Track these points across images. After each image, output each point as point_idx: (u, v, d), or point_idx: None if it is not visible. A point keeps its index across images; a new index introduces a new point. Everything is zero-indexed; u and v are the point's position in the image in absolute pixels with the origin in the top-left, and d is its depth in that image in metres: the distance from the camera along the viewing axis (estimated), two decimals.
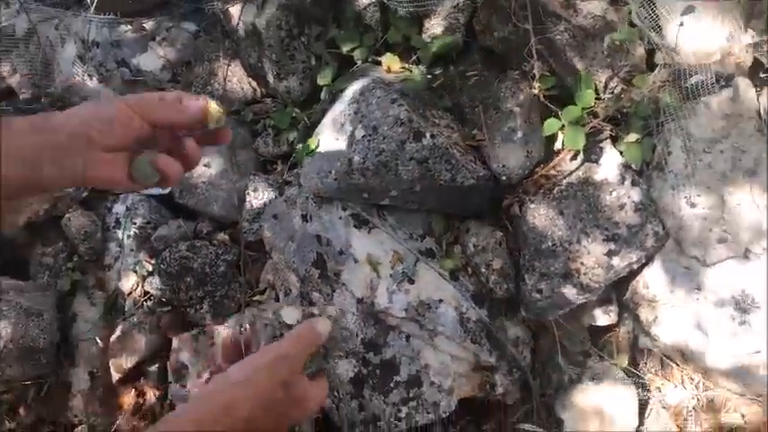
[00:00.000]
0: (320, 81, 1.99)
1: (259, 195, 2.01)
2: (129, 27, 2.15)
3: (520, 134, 1.75)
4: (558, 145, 1.73)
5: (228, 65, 2.15)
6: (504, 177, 1.75)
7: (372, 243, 1.77)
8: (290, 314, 1.23)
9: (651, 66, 1.74)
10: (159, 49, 2.16)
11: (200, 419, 0.78)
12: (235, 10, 2.06)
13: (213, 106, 0.93)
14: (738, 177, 1.71)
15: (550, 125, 1.70)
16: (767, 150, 1.74)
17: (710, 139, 1.75)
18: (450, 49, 1.92)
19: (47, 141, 0.82)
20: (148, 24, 2.15)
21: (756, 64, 1.82)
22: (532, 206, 1.77)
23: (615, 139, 1.79)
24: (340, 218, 1.78)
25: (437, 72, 1.98)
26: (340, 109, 1.81)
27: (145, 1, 2.16)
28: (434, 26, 1.96)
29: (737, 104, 1.76)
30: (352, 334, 1.10)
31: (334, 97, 1.92)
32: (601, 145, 1.77)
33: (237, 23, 2.05)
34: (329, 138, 1.78)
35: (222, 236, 2.06)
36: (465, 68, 1.95)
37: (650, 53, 1.74)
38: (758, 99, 1.79)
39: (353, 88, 1.83)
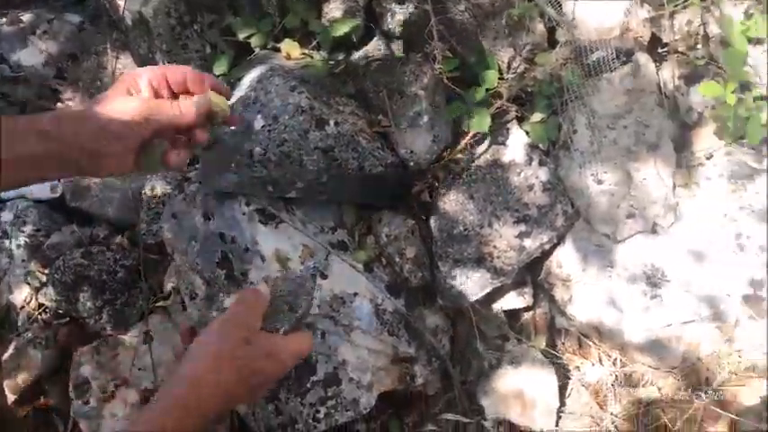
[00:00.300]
0: (216, 70, 1.90)
1: (157, 194, 1.90)
2: (4, 20, 1.99)
3: (425, 118, 1.71)
4: (465, 128, 1.70)
5: (118, 57, 2.03)
6: (412, 163, 1.71)
7: (280, 239, 1.70)
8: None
9: (553, 43, 1.74)
10: (40, 43, 2.01)
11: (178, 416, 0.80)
12: (122, 1, 1.94)
13: (216, 102, 0.97)
14: (642, 152, 1.73)
15: (454, 108, 1.67)
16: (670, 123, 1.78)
17: (614, 114, 1.76)
18: (351, 33, 1.86)
19: (53, 151, 0.83)
20: (26, 17, 1.99)
21: (654, 39, 1.85)
22: (442, 192, 1.74)
23: (521, 120, 1.78)
24: (244, 214, 1.70)
25: (339, 58, 1.91)
26: (237, 98, 1.72)
27: None
28: (333, 10, 1.89)
29: (638, 79, 1.78)
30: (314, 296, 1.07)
31: (231, 87, 1.83)
32: (507, 126, 1.76)
33: (123, 13, 1.92)
34: (227, 129, 1.70)
35: (120, 240, 1.94)
36: (367, 53, 1.90)
37: (551, 31, 1.74)
38: (657, 73, 1.82)
39: (251, 76, 1.75)
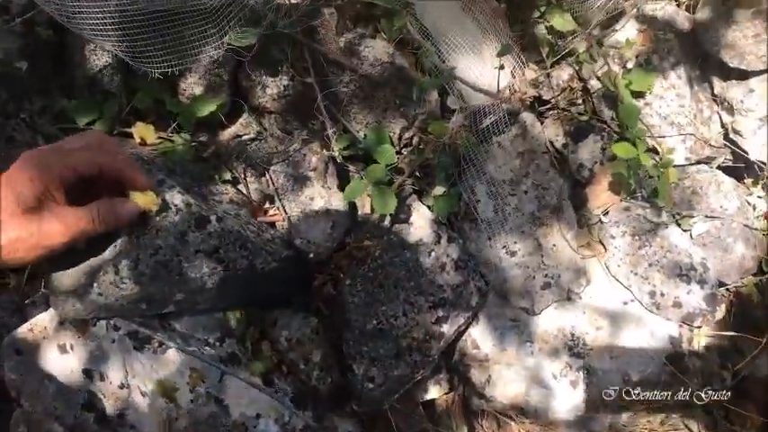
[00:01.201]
0: None
1: None
2: None
3: (320, 203, 1.54)
4: (366, 209, 1.55)
5: None
6: (311, 255, 1.52)
7: (161, 365, 1.42)
8: None
9: (444, 110, 1.65)
10: None
11: None
12: None
13: (144, 202, 0.97)
14: (547, 216, 1.68)
15: (352, 190, 1.51)
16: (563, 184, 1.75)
17: (512, 180, 1.71)
18: (216, 111, 1.66)
19: None
20: None
21: (538, 98, 1.84)
22: (348, 282, 1.56)
23: (420, 194, 1.66)
24: (113, 341, 1.40)
25: (204, 139, 1.70)
26: None
27: None
28: (192, 86, 1.67)
29: (528, 140, 1.75)
30: None
31: None
32: (407, 203, 1.63)
33: None
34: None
35: None
36: (238, 131, 1.70)
37: (440, 96, 1.65)
38: (543, 132, 1.79)
39: None
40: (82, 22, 1.42)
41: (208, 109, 1.62)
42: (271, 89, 1.65)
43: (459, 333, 1.66)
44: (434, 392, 1.73)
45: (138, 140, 1.67)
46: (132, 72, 1.73)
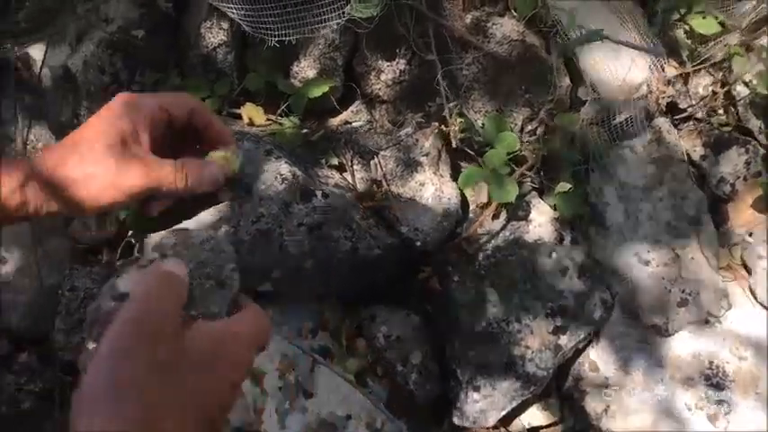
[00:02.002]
0: None
1: (79, 296, 1.50)
2: None
3: (431, 189, 1.44)
4: (482, 198, 1.44)
5: (30, 127, 1.67)
6: (418, 243, 1.42)
7: None
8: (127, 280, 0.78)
9: (573, 102, 1.54)
10: None
11: None
12: (37, 53, 1.62)
13: (230, 160, 0.77)
14: (684, 227, 1.52)
15: (469, 176, 1.41)
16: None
17: (645, 186, 1.56)
18: (329, 95, 1.61)
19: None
20: None
21: (673, 106, 1.69)
22: (457, 278, 1.45)
23: (541, 192, 1.54)
24: None
25: (314, 124, 1.65)
26: None
27: None
28: (305, 69, 1.64)
29: (663, 147, 1.60)
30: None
31: None
32: (527, 199, 1.51)
33: (41, 71, 1.60)
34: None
35: (25, 357, 1.51)
36: (348, 118, 1.64)
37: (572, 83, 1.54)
38: (680, 140, 1.64)
39: None
40: None
41: (320, 90, 1.58)
42: (386, 74, 1.59)
43: (578, 351, 1.50)
44: (541, 419, 1.56)
45: (246, 121, 1.65)
46: (245, 52, 1.73)
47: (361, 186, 1.55)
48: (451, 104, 1.42)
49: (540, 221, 1.48)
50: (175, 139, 0.77)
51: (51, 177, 0.68)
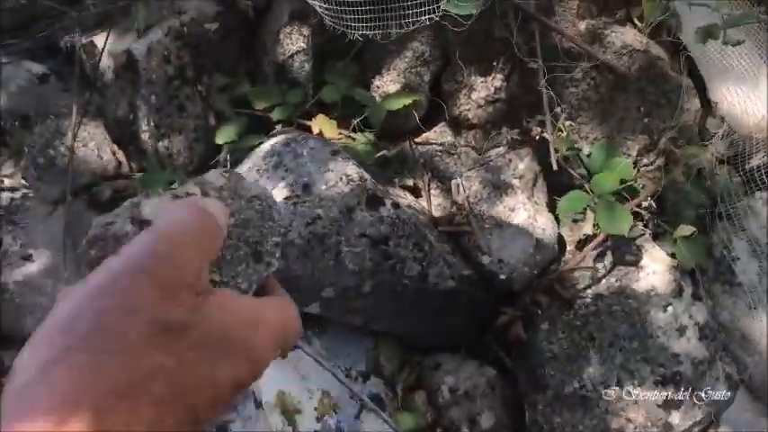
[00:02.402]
0: (219, 139, 1.43)
1: None
2: None
3: (524, 216, 1.22)
4: (585, 230, 1.20)
5: (83, 123, 1.55)
6: (502, 277, 1.18)
7: (288, 374, 1.11)
8: (155, 206, 0.56)
9: (702, 132, 1.30)
10: None
11: None
12: (101, 41, 1.51)
13: None
14: None
15: (573, 200, 1.18)
16: None
17: None
18: (409, 110, 1.43)
19: None
20: None
21: None
22: (546, 326, 1.19)
23: (656, 236, 1.29)
24: None
25: (389, 145, 1.47)
26: (249, 166, 1.23)
27: None
28: (387, 83, 1.48)
29: None
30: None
31: (239, 158, 1.34)
32: (638, 241, 1.26)
33: (100, 58, 1.48)
34: None
35: None
36: (429, 138, 1.46)
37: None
38: None
39: (272, 141, 1.28)
40: None
41: (401, 102, 1.41)
42: (478, 92, 1.41)
43: None
44: None
45: (316, 133, 1.48)
46: (324, 64, 1.59)
47: (437, 213, 1.34)
48: (557, 118, 1.20)
49: (654, 269, 1.22)
50: None
51: None
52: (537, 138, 1.26)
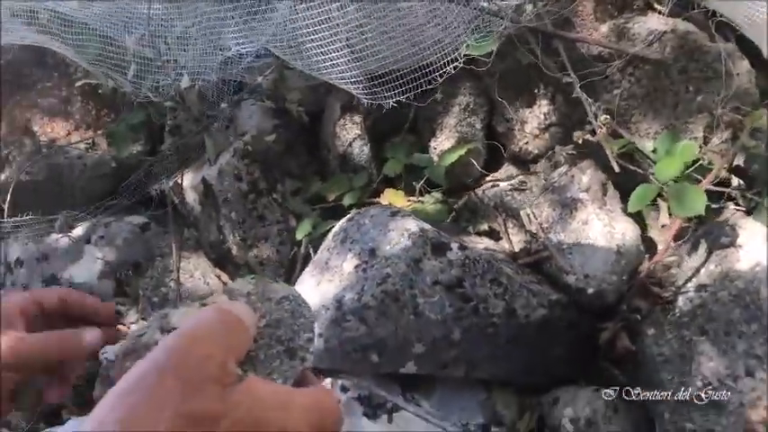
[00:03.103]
0: (298, 235, 1.50)
1: None
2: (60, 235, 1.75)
3: (599, 226, 1.18)
4: (662, 221, 1.14)
5: (185, 257, 1.69)
6: (590, 291, 1.14)
7: None
8: (183, 314, 0.63)
9: (763, 93, 1.23)
10: (96, 251, 1.73)
11: None
12: (187, 181, 1.66)
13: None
14: None
15: (640, 195, 1.13)
16: None
17: None
18: (468, 161, 1.45)
19: None
20: (80, 226, 1.74)
21: None
22: (652, 331, 1.12)
23: (748, 213, 1.20)
24: (338, 402, 1.14)
25: (455, 200, 1.49)
26: (322, 248, 1.29)
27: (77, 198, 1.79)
28: (443, 142, 1.52)
29: None
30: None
31: (317, 245, 1.41)
32: (730, 222, 1.18)
33: (183, 195, 1.63)
34: (308, 288, 1.22)
35: None
36: (495, 179, 1.46)
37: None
38: None
39: (340, 222, 1.33)
40: (322, 63, 1.38)
41: (456, 154, 1.44)
42: (530, 124, 1.42)
43: None
44: None
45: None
46: (381, 144, 1.65)
47: (518, 248, 1.32)
48: (610, 122, 1.18)
49: (755, 245, 1.13)
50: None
51: None
52: (586, 142, 1.24)
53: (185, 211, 1.71)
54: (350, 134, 1.62)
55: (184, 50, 1.47)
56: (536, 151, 1.45)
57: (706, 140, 1.26)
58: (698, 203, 1.08)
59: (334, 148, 1.64)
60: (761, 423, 1.02)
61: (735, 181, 1.22)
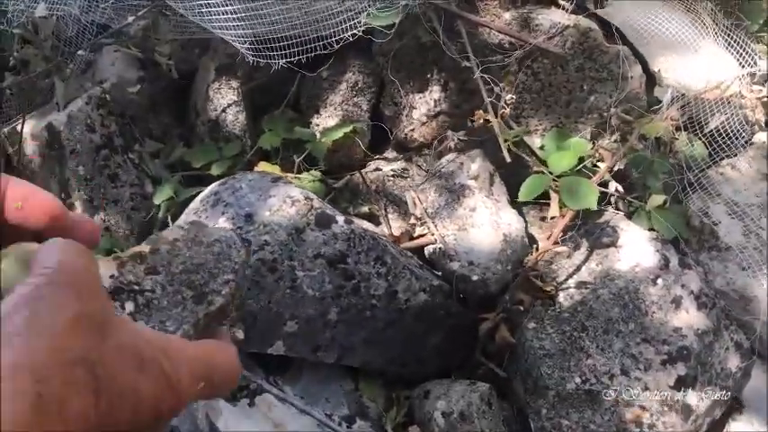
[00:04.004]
0: (156, 199, 1.35)
1: None
2: None
3: (486, 214, 1.14)
4: (552, 212, 1.12)
5: None
6: (474, 279, 1.09)
7: (259, 423, 0.99)
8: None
9: (650, 103, 1.26)
10: None
11: None
12: (27, 128, 1.44)
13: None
14: None
15: (532, 185, 1.11)
16: None
17: (761, 204, 1.23)
18: (352, 142, 1.38)
19: None
20: None
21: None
22: (533, 325, 1.09)
23: (629, 215, 1.21)
24: None
25: (335, 180, 1.40)
26: (187, 212, 1.15)
27: None
28: (326, 119, 1.43)
29: None
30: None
31: (178, 212, 1.26)
32: (611, 223, 1.19)
33: (20, 143, 1.41)
34: None
35: None
36: (380, 166, 1.39)
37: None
38: None
39: (210, 187, 1.20)
40: (207, 15, 1.25)
41: (341, 131, 1.35)
42: (419, 110, 1.36)
43: (715, 421, 1.08)
44: None
45: None
46: (259, 116, 1.54)
47: (398, 233, 1.26)
48: (497, 109, 1.15)
49: (634, 246, 1.14)
50: None
51: None
52: (480, 128, 1.21)
53: (20, 164, 1.48)
54: (224, 99, 1.49)
55: None
56: (421, 139, 1.39)
57: (592, 141, 1.27)
58: (590, 197, 1.07)
59: (205, 113, 1.50)
60: (633, 422, 1.02)
61: (613, 185, 1.23)
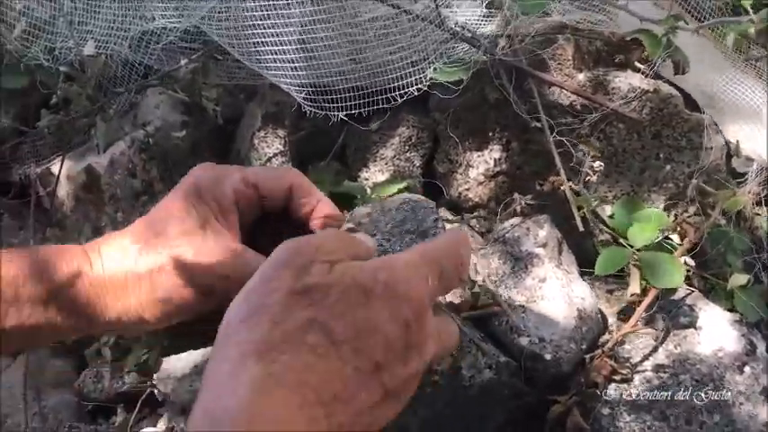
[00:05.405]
0: None
1: None
2: None
3: (557, 285, 1.07)
4: (632, 290, 1.05)
5: None
6: (547, 357, 1.01)
7: None
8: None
9: (731, 169, 1.19)
10: None
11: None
12: (63, 169, 1.38)
13: None
14: None
15: (610, 258, 1.04)
16: None
17: None
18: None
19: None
20: None
21: None
22: (606, 411, 1.00)
23: (706, 293, 1.14)
24: None
25: None
26: None
27: None
28: (376, 174, 1.38)
29: None
30: None
31: None
32: (687, 301, 1.11)
33: (56, 185, 1.35)
34: None
35: None
36: None
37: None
38: None
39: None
40: (262, 58, 1.19)
41: (391, 189, 1.29)
42: (476, 168, 1.30)
43: None
44: None
45: None
46: (303, 162, 1.48)
47: (456, 302, 1.18)
48: (568, 178, 1.09)
49: (715, 328, 1.06)
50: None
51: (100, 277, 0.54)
52: (546, 193, 1.14)
53: (52, 206, 1.42)
54: (271, 148, 1.43)
55: (95, 12, 1.23)
56: (477, 199, 1.33)
57: (666, 212, 1.20)
58: (676, 275, 1.00)
59: (249, 162, 1.44)
60: None
61: (689, 260, 1.16)
